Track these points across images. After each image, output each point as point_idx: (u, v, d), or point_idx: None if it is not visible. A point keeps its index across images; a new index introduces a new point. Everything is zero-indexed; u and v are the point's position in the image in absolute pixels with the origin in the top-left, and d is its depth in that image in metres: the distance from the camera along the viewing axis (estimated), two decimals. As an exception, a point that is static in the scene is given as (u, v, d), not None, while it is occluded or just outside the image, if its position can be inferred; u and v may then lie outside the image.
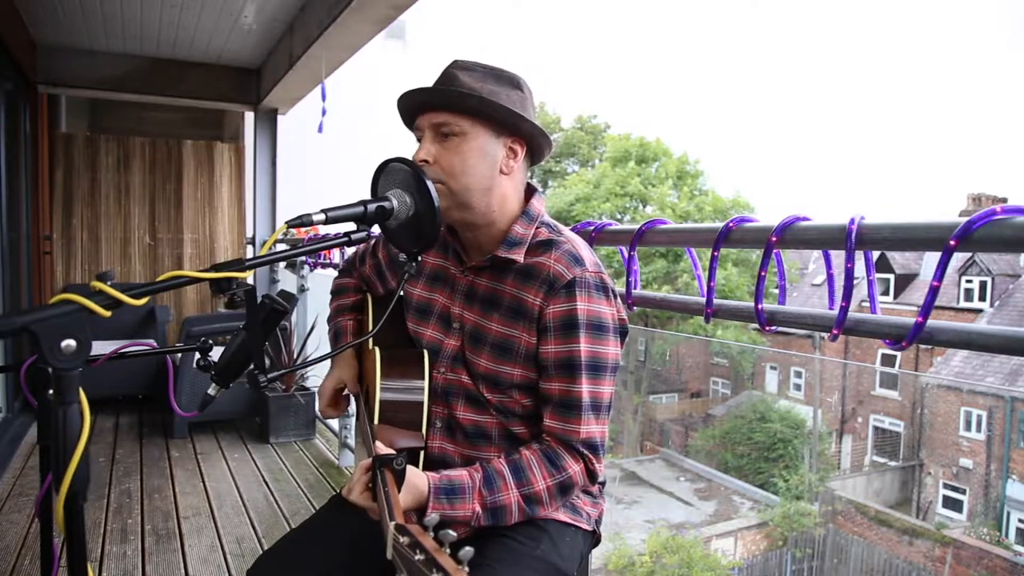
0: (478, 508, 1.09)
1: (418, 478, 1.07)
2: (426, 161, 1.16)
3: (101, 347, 0.98)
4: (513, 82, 1.20)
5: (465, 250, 1.27)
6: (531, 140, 1.21)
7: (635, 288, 1.60)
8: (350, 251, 1.55)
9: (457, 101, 1.14)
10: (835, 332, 1.12)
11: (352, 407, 1.45)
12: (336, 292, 1.53)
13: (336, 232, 1.08)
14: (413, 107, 1.20)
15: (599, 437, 1.15)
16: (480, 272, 1.24)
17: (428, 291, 1.31)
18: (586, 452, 1.14)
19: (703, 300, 1.40)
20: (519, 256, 1.19)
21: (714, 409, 20.52)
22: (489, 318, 1.21)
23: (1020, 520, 14.17)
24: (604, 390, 1.16)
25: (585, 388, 1.14)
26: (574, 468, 1.14)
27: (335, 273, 1.61)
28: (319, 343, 4.30)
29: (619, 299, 1.22)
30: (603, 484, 1.33)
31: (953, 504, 15.47)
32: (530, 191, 1.26)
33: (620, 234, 1.63)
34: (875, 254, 1.17)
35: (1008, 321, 15.87)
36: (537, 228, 1.22)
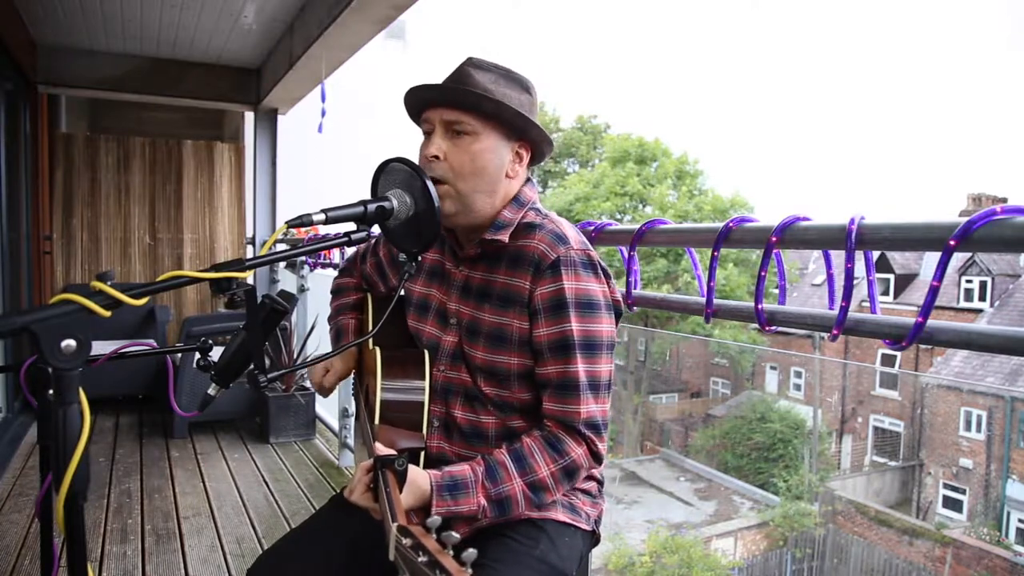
0: (483, 501, 1.09)
1: (420, 477, 1.07)
2: (436, 157, 1.16)
3: (101, 347, 0.98)
4: (523, 85, 1.21)
5: (460, 246, 1.27)
6: (536, 145, 1.22)
7: (635, 288, 1.60)
8: (350, 251, 1.56)
9: (474, 102, 1.14)
10: (835, 332, 1.12)
11: (353, 408, 1.45)
12: (336, 291, 1.54)
13: (336, 232, 1.08)
14: (424, 101, 1.20)
15: (600, 416, 1.15)
16: (475, 265, 1.24)
17: (426, 287, 1.32)
18: (588, 433, 1.13)
19: (703, 300, 1.40)
20: (504, 237, 1.19)
21: (714, 409, 20.51)
22: (482, 309, 1.21)
23: (1020, 520, 14.16)
24: (602, 368, 1.15)
25: (581, 368, 1.13)
26: (577, 451, 1.13)
27: (335, 273, 1.61)
28: (319, 343, 4.30)
29: (611, 278, 1.21)
30: (602, 484, 1.33)
31: (953, 504, 15.47)
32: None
33: (620, 234, 1.63)
34: (875, 254, 1.17)
35: (1008, 321, 15.87)
36: (525, 212, 1.22)
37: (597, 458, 1.16)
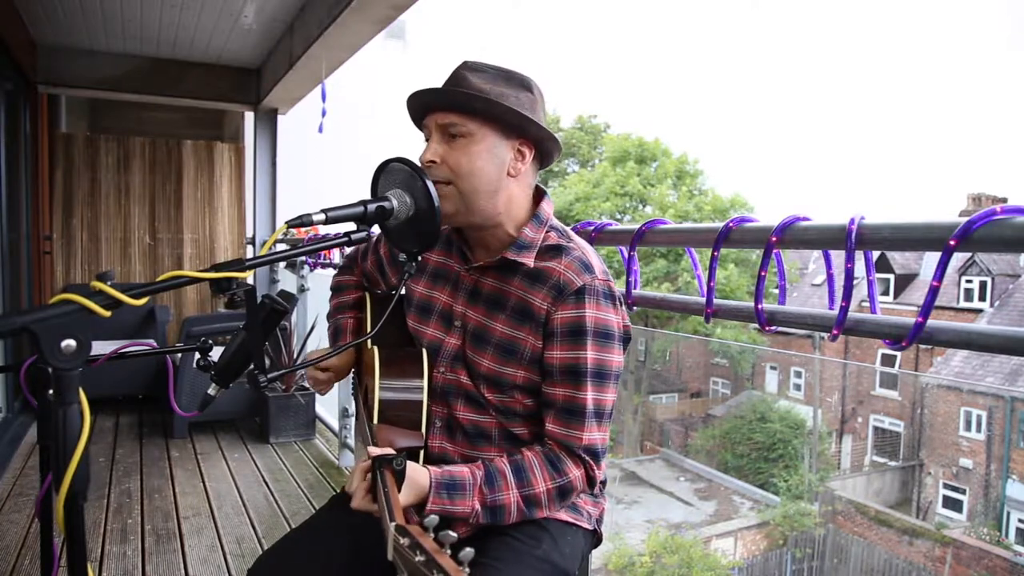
0: (477, 506, 1.09)
1: (420, 473, 1.08)
2: (433, 161, 1.15)
3: (101, 347, 0.98)
4: (523, 84, 1.19)
5: (471, 249, 1.26)
6: (539, 143, 1.20)
7: (635, 288, 1.60)
8: (350, 250, 1.56)
9: (464, 102, 1.14)
10: (835, 332, 1.12)
11: (353, 408, 1.46)
12: (336, 289, 1.53)
13: (336, 232, 1.08)
14: (421, 107, 1.20)
15: (600, 444, 1.16)
16: (485, 272, 1.23)
17: (430, 288, 1.31)
18: (587, 458, 1.14)
19: (703, 300, 1.40)
20: (529, 260, 1.19)
21: (714, 409, 20.51)
22: (494, 318, 1.20)
23: (1020, 520, 14.16)
24: (607, 397, 1.16)
25: (590, 395, 1.13)
26: (575, 473, 1.14)
27: (335, 273, 1.61)
28: (319, 343, 4.30)
29: (624, 307, 1.22)
30: (604, 484, 1.33)
31: (953, 504, 15.47)
32: (539, 193, 1.26)
33: (620, 234, 1.63)
34: (875, 254, 1.17)
35: (1008, 321, 15.87)
36: (547, 232, 1.22)
37: (592, 483, 1.17)
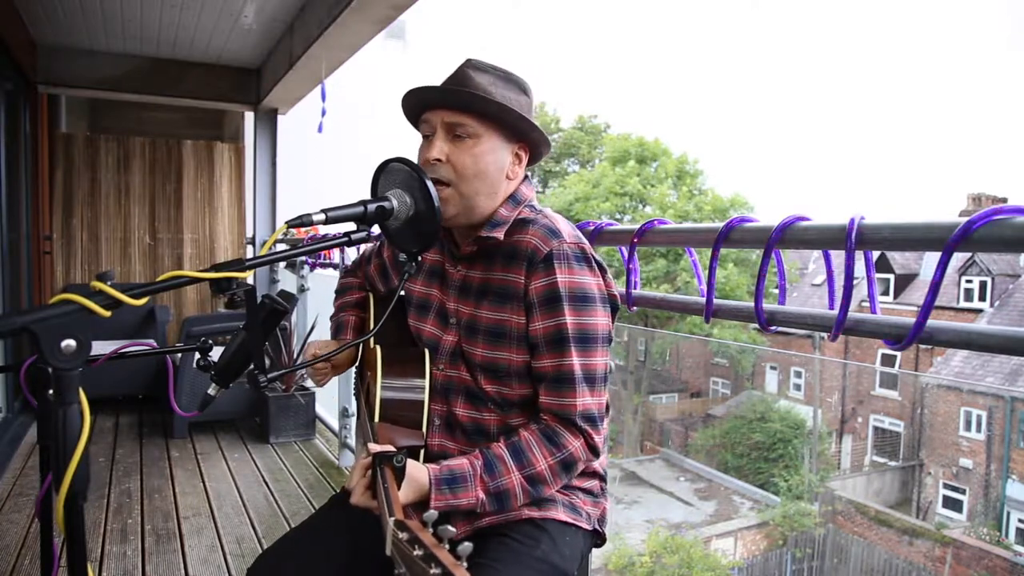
0: (481, 494, 1.09)
1: (419, 471, 1.08)
2: (439, 160, 1.16)
3: (101, 347, 0.98)
4: (521, 86, 1.21)
5: (456, 244, 1.27)
6: (534, 146, 1.23)
7: (635, 288, 1.59)
8: (350, 251, 1.56)
9: (478, 104, 1.15)
10: (835, 332, 1.12)
11: (353, 408, 1.46)
12: (340, 291, 1.55)
13: (336, 232, 1.08)
14: (425, 103, 1.20)
15: (596, 409, 1.15)
16: (472, 264, 1.24)
17: (426, 287, 1.32)
18: (584, 426, 1.13)
19: (703, 300, 1.40)
20: (500, 235, 1.19)
21: (714, 409, 20.51)
22: (481, 307, 1.21)
23: (1020, 520, 14.16)
24: (597, 361, 1.15)
25: (576, 360, 1.13)
26: (574, 444, 1.13)
27: (335, 273, 1.62)
28: (319, 343, 4.29)
29: (606, 272, 1.21)
30: (604, 484, 1.33)
31: (953, 504, 15.47)
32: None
33: (620, 234, 1.63)
34: (875, 254, 1.17)
35: (1008, 321, 15.87)
36: (521, 209, 1.23)
37: (594, 451, 1.16)
